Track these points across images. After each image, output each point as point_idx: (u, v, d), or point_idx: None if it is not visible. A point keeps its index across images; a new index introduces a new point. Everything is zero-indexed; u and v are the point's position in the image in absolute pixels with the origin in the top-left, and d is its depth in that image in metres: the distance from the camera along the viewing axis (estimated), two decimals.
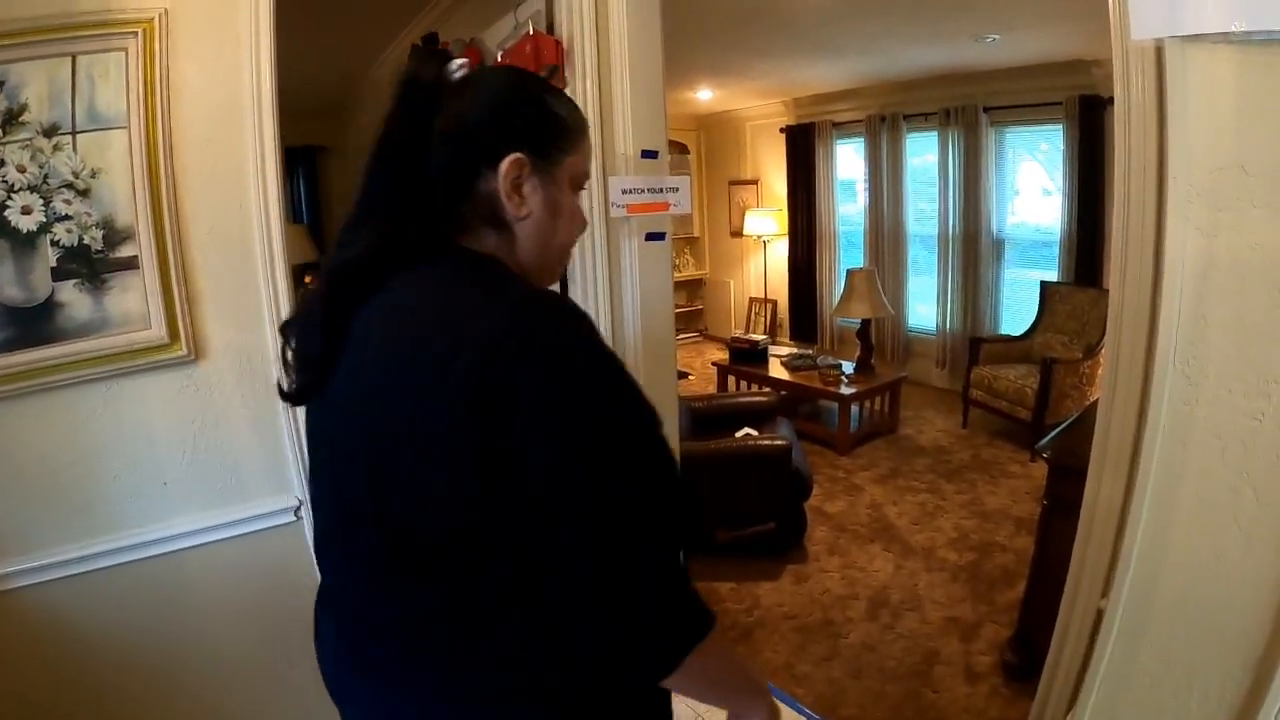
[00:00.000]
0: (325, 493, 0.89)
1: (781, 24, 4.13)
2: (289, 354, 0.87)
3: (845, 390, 4.89)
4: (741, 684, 0.87)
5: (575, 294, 2.42)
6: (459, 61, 0.83)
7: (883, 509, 4.01)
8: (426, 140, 0.79)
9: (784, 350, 5.93)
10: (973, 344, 5.28)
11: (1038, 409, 4.47)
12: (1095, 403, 2.81)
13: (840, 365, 5.36)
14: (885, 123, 6.21)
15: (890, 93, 6.12)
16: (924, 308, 6.42)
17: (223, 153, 1.69)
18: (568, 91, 2.22)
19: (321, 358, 0.80)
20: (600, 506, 0.67)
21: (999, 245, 5.80)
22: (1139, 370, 1.27)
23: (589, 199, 2.28)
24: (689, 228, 8.30)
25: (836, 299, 6.92)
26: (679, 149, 7.90)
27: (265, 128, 1.71)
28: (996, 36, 4.22)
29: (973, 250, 5.79)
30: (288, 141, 1.69)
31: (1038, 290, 5.27)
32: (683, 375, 6.92)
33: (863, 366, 5.25)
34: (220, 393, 1.77)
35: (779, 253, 7.56)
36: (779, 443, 3.42)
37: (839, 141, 6.77)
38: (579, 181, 0.89)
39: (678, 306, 4.95)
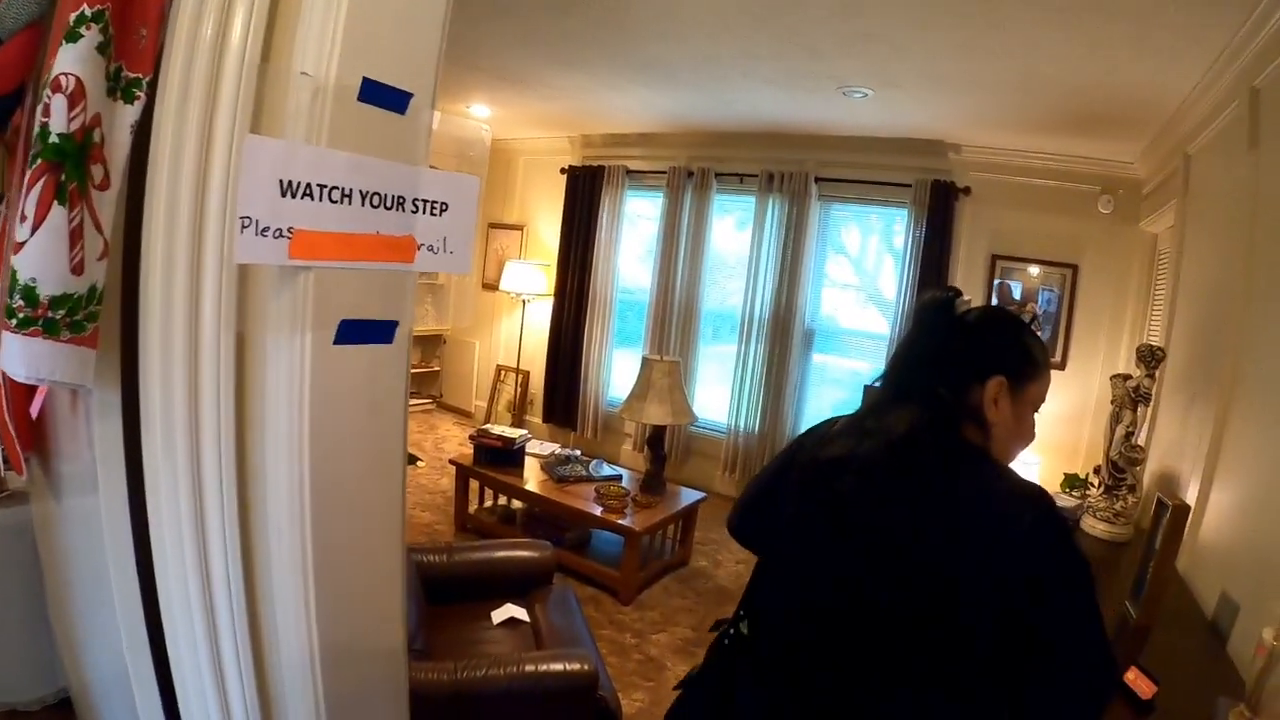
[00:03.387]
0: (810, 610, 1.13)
1: (609, 16, 2.88)
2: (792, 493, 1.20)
3: (632, 521, 3.62)
4: None
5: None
6: (965, 299, 1.16)
7: None
8: (945, 353, 1.14)
9: (544, 449, 4.51)
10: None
11: None
12: None
13: (620, 477, 4.16)
14: (693, 178, 5.20)
15: (704, 144, 5.15)
16: (713, 400, 5.42)
17: None
18: None
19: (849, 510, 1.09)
20: (1100, 633, 0.99)
21: (810, 336, 4.98)
22: None
23: (168, 219, 0.82)
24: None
25: (605, 378, 5.75)
26: None
27: None
28: (869, 92, 3.31)
29: (782, 340, 4.92)
30: None
31: (859, 389, 4.49)
32: (412, 460, 5.30)
33: (652, 483, 4.00)
34: None
35: (540, 316, 6.21)
36: (578, 667, 2.04)
37: (632, 193, 5.65)
38: (1036, 405, 1.15)
39: (412, 366, 2.80)
